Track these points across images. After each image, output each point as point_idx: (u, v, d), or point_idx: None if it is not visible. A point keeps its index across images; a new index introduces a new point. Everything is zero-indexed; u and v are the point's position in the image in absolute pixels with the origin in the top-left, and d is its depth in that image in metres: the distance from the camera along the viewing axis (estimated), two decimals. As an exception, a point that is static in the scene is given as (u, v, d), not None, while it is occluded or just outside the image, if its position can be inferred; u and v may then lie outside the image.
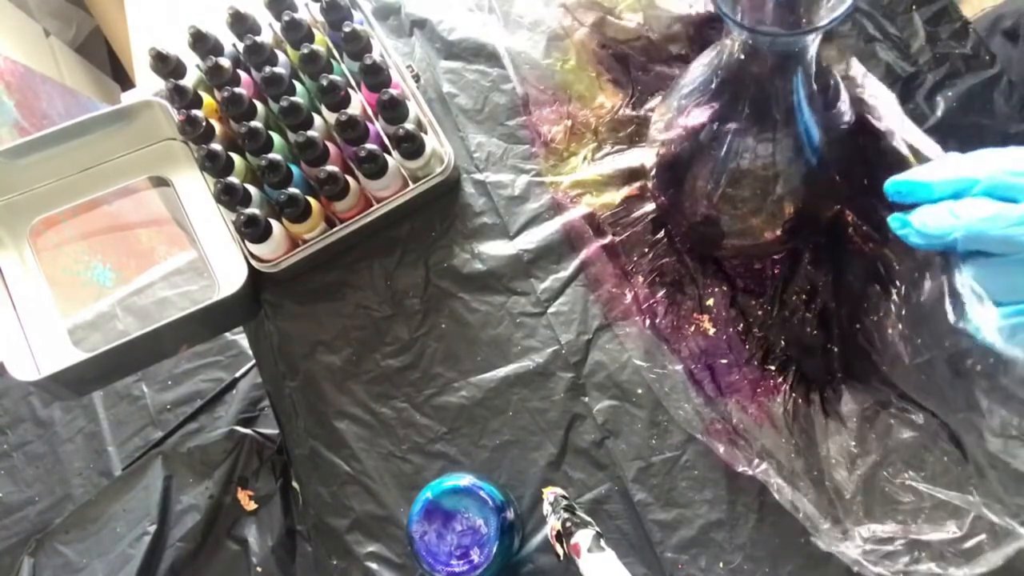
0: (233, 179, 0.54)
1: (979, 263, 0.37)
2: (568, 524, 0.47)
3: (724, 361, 0.53)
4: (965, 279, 0.38)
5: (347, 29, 0.55)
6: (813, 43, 0.37)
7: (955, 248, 0.37)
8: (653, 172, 0.52)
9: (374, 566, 0.53)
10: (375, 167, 0.54)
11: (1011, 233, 0.35)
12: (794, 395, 0.51)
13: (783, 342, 0.52)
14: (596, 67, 0.61)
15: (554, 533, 0.48)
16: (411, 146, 0.54)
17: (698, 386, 0.52)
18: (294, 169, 0.56)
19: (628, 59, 0.60)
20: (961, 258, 0.38)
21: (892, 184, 0.40)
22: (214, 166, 0.55)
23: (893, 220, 0.40)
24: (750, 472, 0.49)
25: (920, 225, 0.38)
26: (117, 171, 0.62)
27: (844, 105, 0.44)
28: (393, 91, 0.54)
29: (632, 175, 0.58)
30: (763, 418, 0.51)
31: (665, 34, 0.59)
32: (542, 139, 0.60)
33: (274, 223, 0.54)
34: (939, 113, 0.55)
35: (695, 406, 0.52)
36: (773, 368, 0.52)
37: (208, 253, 0.59)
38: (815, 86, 0.40)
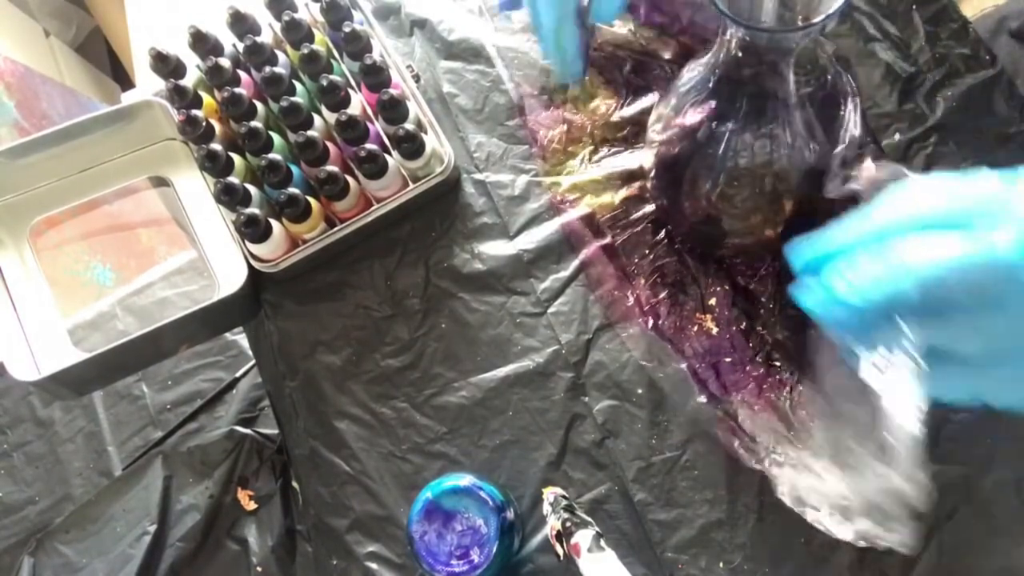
0: (233, 179, 0.54)
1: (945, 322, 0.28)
2: (568, 524, 0.47)
3: (728, 360, 0.53)
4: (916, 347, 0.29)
5: (347, 29, 0.55)
6: (811, 40, 0.37)
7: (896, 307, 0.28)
8: (652, 173, 0.52)
9: (374, 566, 0.53)
10: (375, 167, 0.54)
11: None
12: (800, 390, 0.51)
13: (787, 339, 0.52)
14: (591, 68, 0.61)
15: (554, 533, 0.48)
16: (411, 146, 0.54)
17: (703, 385, 0.52)
18: (294, 169, 0.56)
19: (622, 61, 0.60)
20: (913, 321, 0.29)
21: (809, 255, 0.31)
22: (214, 166, 0.55)
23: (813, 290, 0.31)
24: (759, 468, 0.49)
25: (856, 279, 0.29)
26: (117, 171, 0.62)
27: (842, 100, 0.44)
28: (393, 91, 0.54)
29: (630, 177, 0.58)
30: (770, 414, 0.51)
31: (658, 39, 0.59)
32: (539, 142, 0.60)
33: (274, 223, 0.54)
34: (939, 113, 0.56)
35: (701, 405, 0.52)
36: (778, 364, 0.52)
37: (208, 253, 0.59)
38: (813, 82, 0.40)
